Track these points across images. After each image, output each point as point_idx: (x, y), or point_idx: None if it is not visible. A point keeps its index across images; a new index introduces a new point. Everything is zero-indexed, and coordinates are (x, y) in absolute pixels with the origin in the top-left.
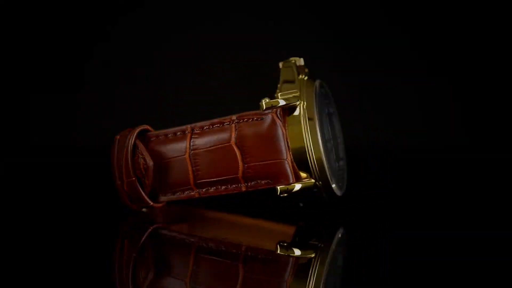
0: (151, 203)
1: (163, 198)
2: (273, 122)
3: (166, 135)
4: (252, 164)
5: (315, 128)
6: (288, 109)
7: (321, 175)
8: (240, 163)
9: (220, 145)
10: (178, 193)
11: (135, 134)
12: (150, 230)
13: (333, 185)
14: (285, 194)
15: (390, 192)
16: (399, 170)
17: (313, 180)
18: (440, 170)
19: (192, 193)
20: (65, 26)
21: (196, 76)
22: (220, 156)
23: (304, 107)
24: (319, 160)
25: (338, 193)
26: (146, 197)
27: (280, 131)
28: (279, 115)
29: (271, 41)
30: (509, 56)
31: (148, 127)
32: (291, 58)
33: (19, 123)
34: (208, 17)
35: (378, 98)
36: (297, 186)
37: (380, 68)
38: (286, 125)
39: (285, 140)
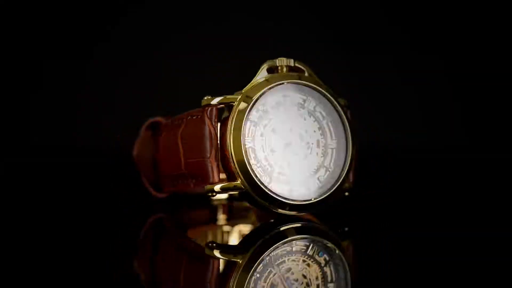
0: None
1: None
2: (202, 120)
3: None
4: (188, 161)
5: (240, 130)
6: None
7: (246, 178)
8: (182, 159)
9: (173, 140)
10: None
11: (144, 126)
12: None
13: (270, 192)
14: (212, 194)
15: (390, 192)
16: (399, 170)
17: (235, 183)
18: (440, 170)
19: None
20: (64, 26)
21: (196, 75)
22: (173, 151)
23: (238, 107)
24: (241, 162)
25: (284, 207)
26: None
27: (207, 130)
28: (209, 114)
29: (272, 41)
30: (509, 56)
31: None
32: (279, 58)
33: (19, 123)
34: (208, 17)
35: (378, 98)
36: (217, 187)
37: (380, 68)
38: (228, 124)
39: (213, 139)
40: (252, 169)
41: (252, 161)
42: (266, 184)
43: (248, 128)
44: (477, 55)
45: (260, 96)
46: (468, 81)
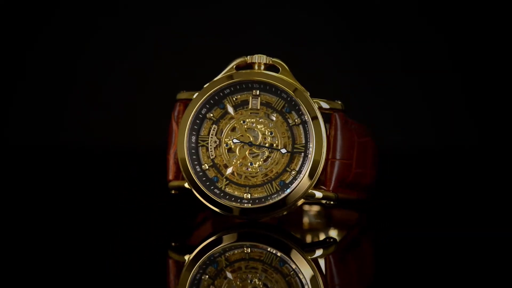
0: None
1: None
2: (171, 116)
3: None
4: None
5: (185, 127)
6: None
7: (189, 179)
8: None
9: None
10: None
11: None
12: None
13: (214, 195)
14: (175, 192)
15: (390, 192)
16: (400, 171)
17: (183, 183)
18: (439, 170)
19: None
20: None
21: (185, 68)
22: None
23: (191, 103)
24: (183, 162)
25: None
26: None
27: (171, 127)
28: (174, 109)
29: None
30: None
31: None
32: (254, 55)
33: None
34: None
35: (378, 98)
36: (171, 184)
37: (382, 67)
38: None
39: (174, 135)
40: (195, 169)
41: (201, 161)
42: (212, 187)
43: (199, 125)
44: (482, 54)
45: (216, 92)
46: (474, 80)
